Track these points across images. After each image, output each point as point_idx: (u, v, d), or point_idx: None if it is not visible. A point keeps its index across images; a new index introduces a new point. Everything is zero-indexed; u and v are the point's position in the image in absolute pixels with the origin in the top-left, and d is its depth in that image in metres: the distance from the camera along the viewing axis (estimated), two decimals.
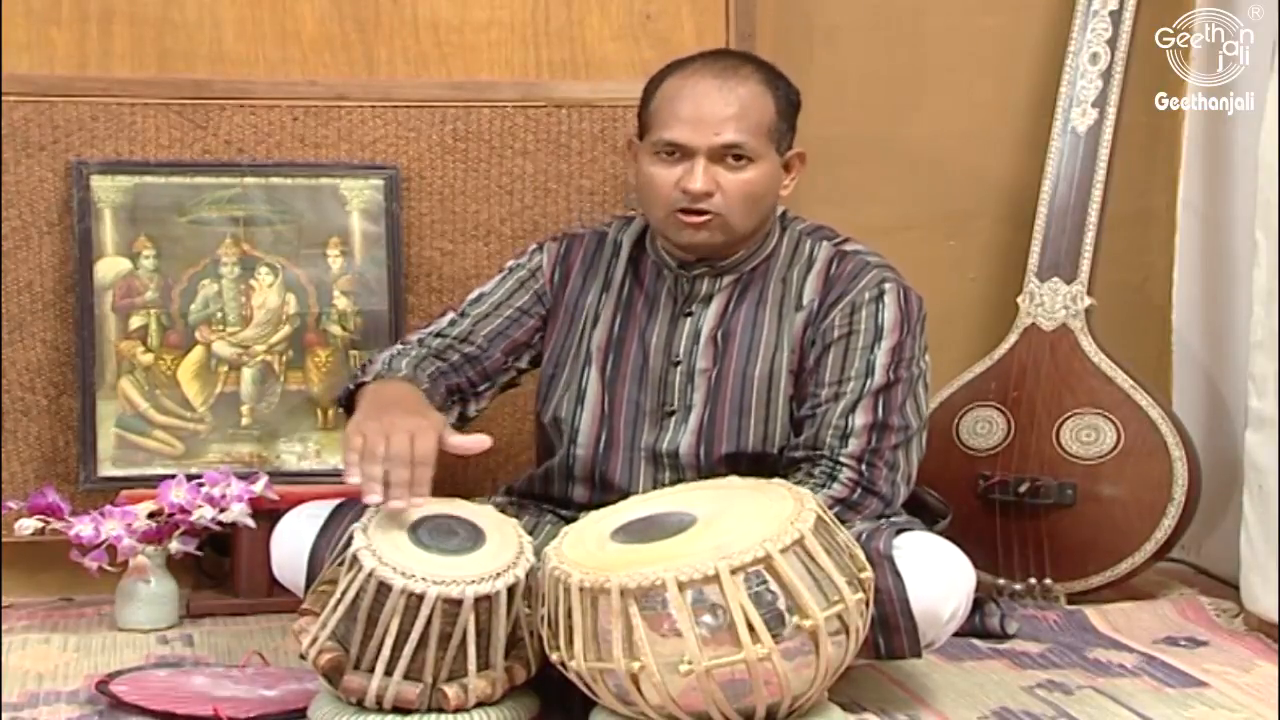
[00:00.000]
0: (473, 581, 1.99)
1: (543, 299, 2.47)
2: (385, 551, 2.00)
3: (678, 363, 2.38)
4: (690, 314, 2.39)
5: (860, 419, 2.29)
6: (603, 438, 2.40)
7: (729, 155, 2.28)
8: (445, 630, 1.98)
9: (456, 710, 2.02)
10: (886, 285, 2.34)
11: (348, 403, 2.35)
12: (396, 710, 2.02)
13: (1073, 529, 2.86)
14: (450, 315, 2.47)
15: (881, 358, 2.31)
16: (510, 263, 2.52)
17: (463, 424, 2.42)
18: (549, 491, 2.46)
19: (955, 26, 3.14)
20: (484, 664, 2.02)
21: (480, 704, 2.03)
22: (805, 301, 2.36)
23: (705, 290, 2.39)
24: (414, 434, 2.06)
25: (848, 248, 2.41)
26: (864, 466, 2.28)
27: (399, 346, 2.43)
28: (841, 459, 2.28)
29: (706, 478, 2.30)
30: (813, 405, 2.32)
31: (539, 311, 2.47)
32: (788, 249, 2.41)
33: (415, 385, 2.27)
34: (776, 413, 2.35)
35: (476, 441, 2.15)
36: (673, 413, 2.37)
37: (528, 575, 2.05)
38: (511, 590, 2.02)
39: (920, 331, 2.36)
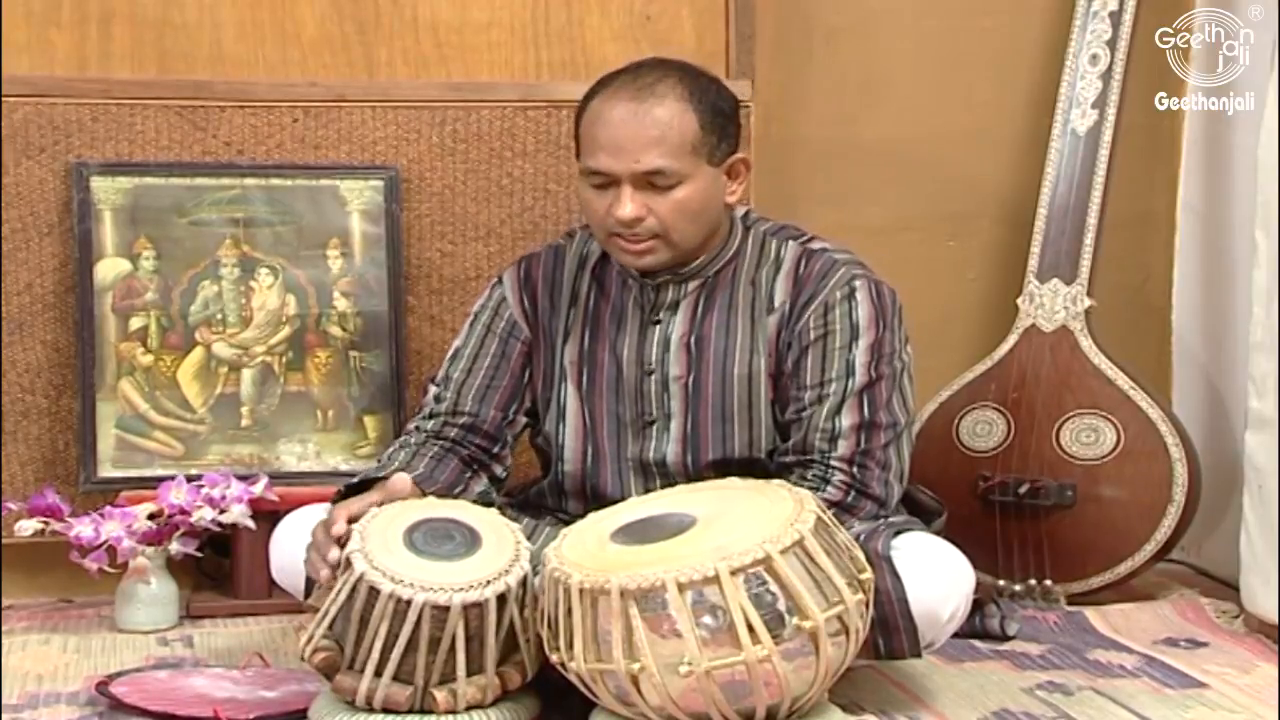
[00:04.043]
0: (461, 589, 1.98)
1: (515, 332, 2.43)
2: (377, 555, 2.01)
3: (650, 372, 2.37)
4: (658, 322, 2.37)
5: (847, 420, 2.28)
6: (589, 452, 2.39)
7: (652, 179, 2.24)
8: (434, 635, 1.98)
9: (446, 714, 2.01)
10: (857, 282, 2.32)
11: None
12: (387, 711, 2.02)
13: (1073, 530, 2.86)
14: (433, 390, 2.43)
15: (861, 356, 2.29)
16: (475, 306, 2.48)
17: (498, 486, 2.41)
18: (543, 504, 2.46)
19: (955, 27, 3.14)
20: (476, 669, 2.02)
21: (471, 708, 2.03)
22: (777, 304, 2.34)
23: (671, 297, 2.37)
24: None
25: (814, 246, 2.37)
26: (855, 469, 2.27)
27: (397, 442, 2.41)
28: (832, 462, 2.27)
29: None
30: (797, 409, 2.31)
31: (516, 348, 2.43)
32: (753, 250, 2.38)
33: (404, 473, 2.25)
34: (760, 416, 2.34)
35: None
36: (652, 422, 2.36)
37: (523, 582, 2.05)
38: (502, 598, 2.01)
39: (898, 325, 2.33)
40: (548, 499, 2.44)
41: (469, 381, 2.41)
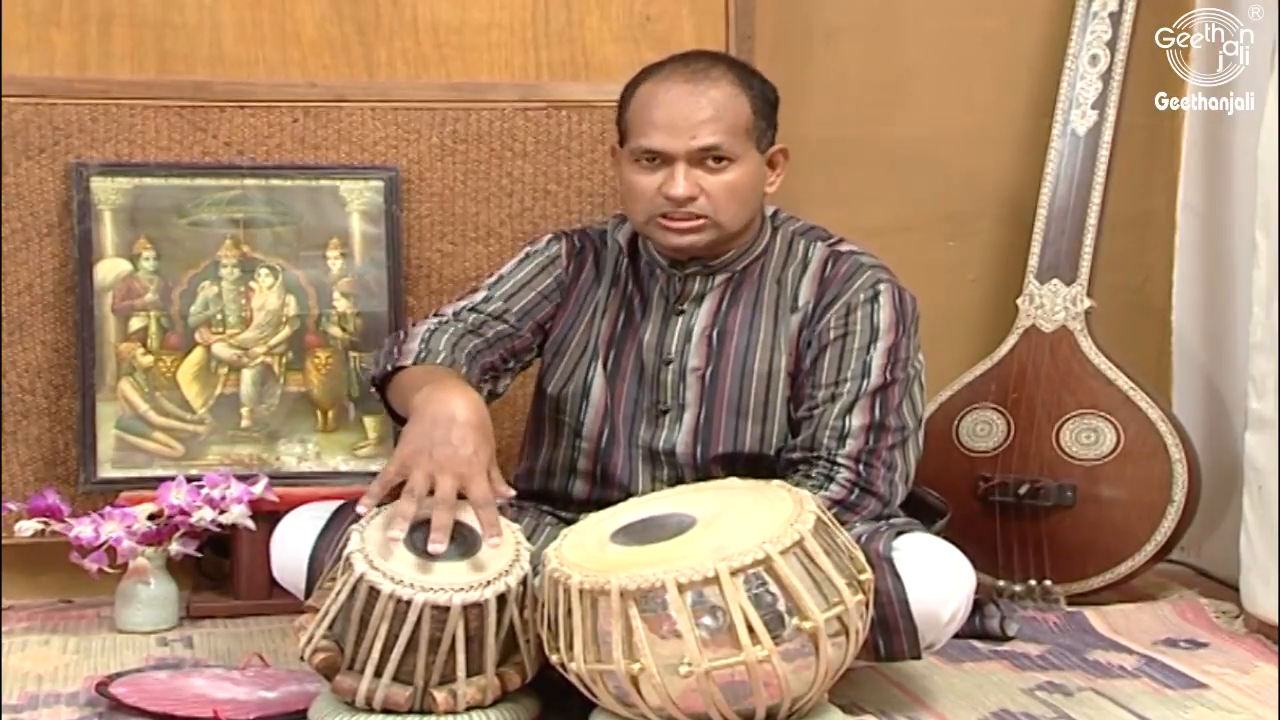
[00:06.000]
0: (461, 589, 1.98)
1: (561, 285, 2.46)
2: (376, 556, 2.00)
3: (669, 361, 2.38)
4: (682, 313, 2.40)
5: (857, 420, 2.29)
6: (605, 433, 2.40)
7: (708, 158, 2.28)
8: (434, 636, 1.98)
9: (446, 714, 2.01)
10: (881, 286, 2.34)
11: (383, 383, 2.31)
12: (387, 711, 2.02)
13: (1073, 530, 2.86)
14: (483, 292, 2.44)
15: (878, 358, 2.31)
16: (527, 248, 2.50)
17: (490, 401, 2.39)
18: (549, 486, 2.46)
19: (955, 28, 3.14)
20: (475, 669, 2.02)
21: (471, 708, 2.03)
22: (801, 303, 2.37)
23: (697, 289, 2.40)
24: (465, 478, 2.02)
25: (842, 248, 2.41)
26: (861, 467, 2.28)
27: (434, 321, 2.38)
28: (839, 460, 2.28)
29: (703, 477, 2.31)
30: (809, 407, 2.32)
31: (557, 298, 2.46)
32: (781, 249, 2.42)
33: (457, 372, 2.25)
34: (774, 414, 2.35)
35: (503, 489, 2.09)
36: (666, 411, 2.38)
37: (523, 582, 2.05)
38: (502, 598, 2.01)
39: (915, 331, 2.37)
40: (555, 478, 2.45)
41: (516, 299, 2.43)
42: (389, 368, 2.30)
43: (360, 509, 2.06)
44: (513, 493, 2.12)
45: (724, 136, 2.28)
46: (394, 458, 2.07)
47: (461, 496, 2.04)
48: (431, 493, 2.03)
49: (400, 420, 2.22)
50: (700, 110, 2.28)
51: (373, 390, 2.37)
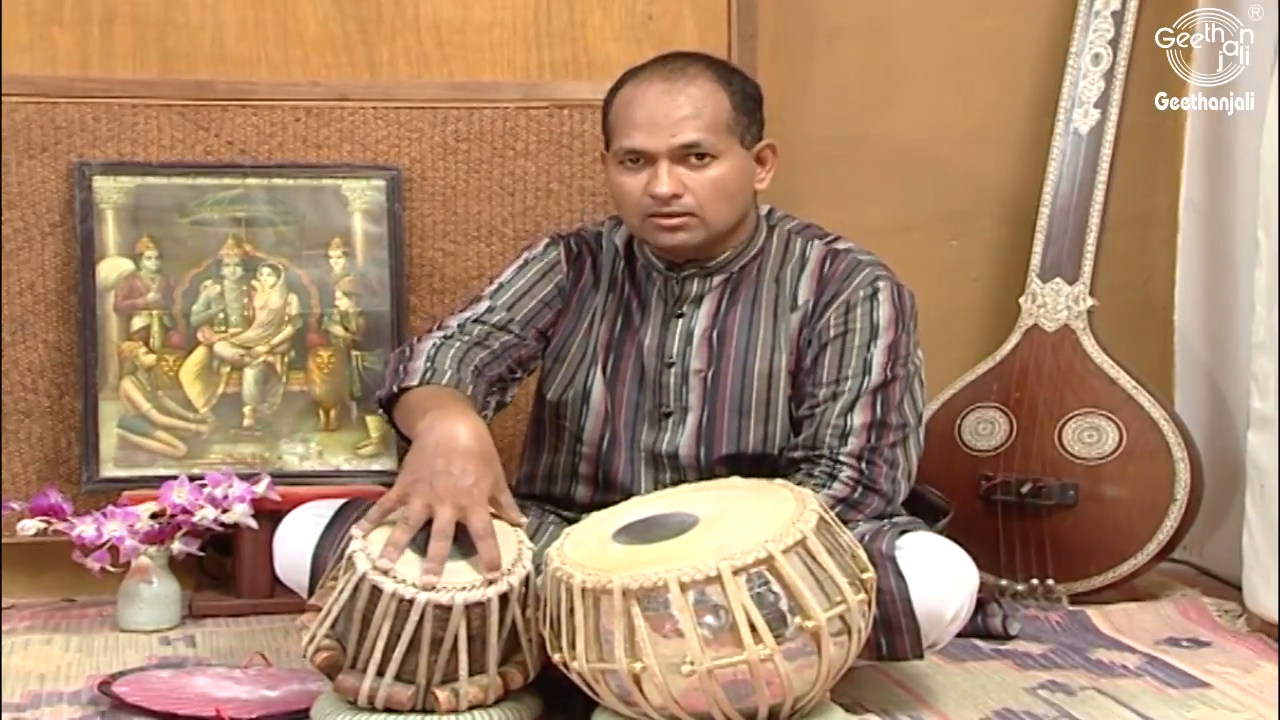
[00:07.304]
0: (463, 588, 1.98)
1: (562, 291, 2.45)
2: (379, 554, 2.00)
3: (671, 364, 2.38)
4: (681, 315, 2.40)
5: (859, 418, 2.29)
6: (606, 437, 2.40)
7: (690, 155, 2.28)
8: (436, 635, 1.98)
9: (448, 713, 2.01)
10: (880, 283, 2.34)
11: (389, 404, 2.30)
12: (389, 710, 2.02)
13: (1075, 530, 2.86)
14: (486, 302, 2.42)
15: (878, 356, 2.31)
16: (526, 254, 2.48)
17: (498, 411, 2.40)
18: (551, 491, 2.46)
19: (957, 27, 3.14)
20: (478, 669, 2.02)
21: (473, 707, 2.02)
22: (800, 302, 2.37)
23: (695, 291, 2.40)
24: (465, 509, 2.02)
25: (839, 246, 2.40)
26: (864, 465, 2.28)
27: (439, 336, 2.36)
28: (841, 458, 2.28)
29: (706, 479, 2.31)
30: (811, 405, 2.32)
31: (558, 305, 2.45)
32: (778, 248, 2.41)
33: (462, 393, 2.24)
34: (776, 413, 2.35)
35: (516, 515, 2.11)
36: (669, 414, 2.38)
37: (525, 581, 2.05)
38: (504, 598, 2.01)
39: (914, 328, 2.37)
40: (557, 483, 2.45)
41: (519, 307, 2.42)
42: (395, 389, 2.29)
43: (355, 532, 2.05)
44: (525, 520, 2.13)
45: (704, 133, 2.28)
46: (395, 485, 2.07)
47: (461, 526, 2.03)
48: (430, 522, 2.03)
49: (408, 440, 2.21)
50: (679, 108, 2.28)
51: (380, 412, 2.36)
